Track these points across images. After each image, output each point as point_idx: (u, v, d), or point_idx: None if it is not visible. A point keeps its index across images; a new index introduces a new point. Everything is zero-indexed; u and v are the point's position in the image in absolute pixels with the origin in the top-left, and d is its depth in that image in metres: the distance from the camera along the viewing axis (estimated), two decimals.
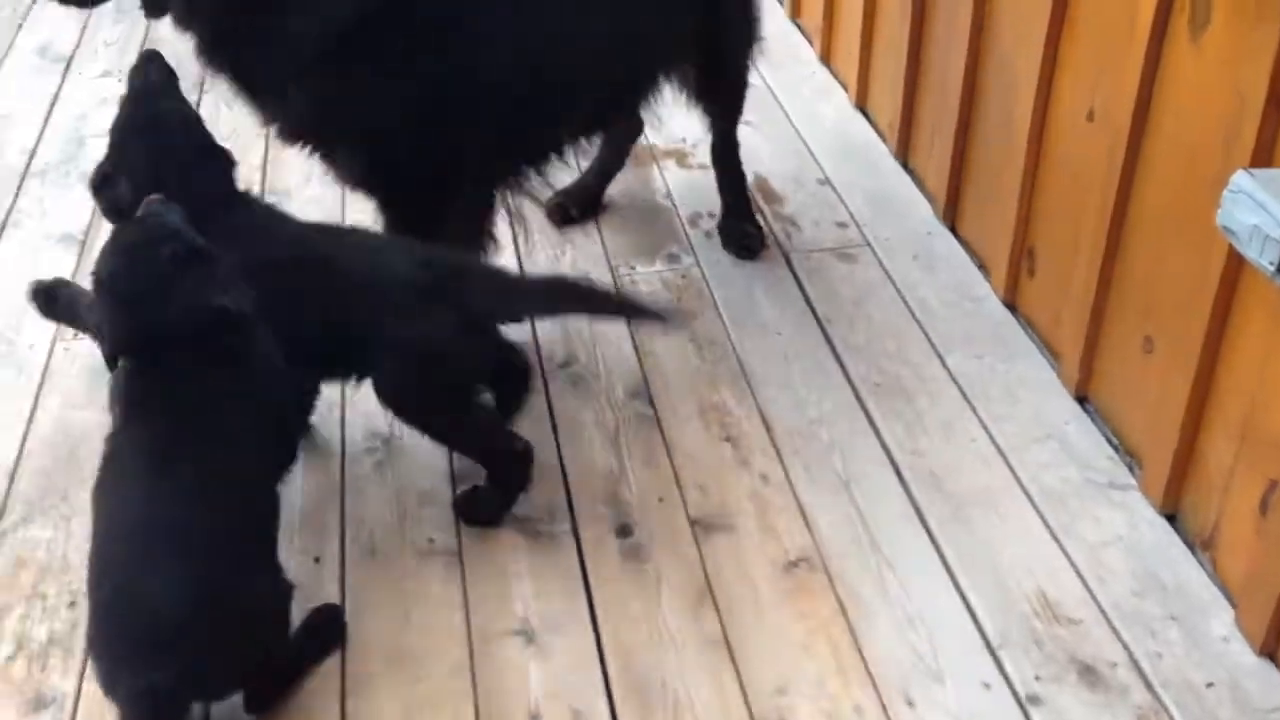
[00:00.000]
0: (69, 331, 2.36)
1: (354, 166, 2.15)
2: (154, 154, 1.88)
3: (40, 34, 3.47)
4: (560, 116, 2.25)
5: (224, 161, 1.94)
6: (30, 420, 2.16)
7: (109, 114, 3.09)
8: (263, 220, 1.97)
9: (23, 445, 2.11)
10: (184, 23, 1.98)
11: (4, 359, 2.30)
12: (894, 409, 2.19)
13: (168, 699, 1.51)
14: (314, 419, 2.15)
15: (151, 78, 1.96)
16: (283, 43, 1.90)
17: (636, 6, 2.22)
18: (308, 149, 2.13)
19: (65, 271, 2.49)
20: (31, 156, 2.91)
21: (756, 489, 2.05)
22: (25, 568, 1.88)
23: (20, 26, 3.49)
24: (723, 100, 2.63)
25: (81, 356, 2.31)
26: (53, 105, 3.12)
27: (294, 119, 2.06)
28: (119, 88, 3.11)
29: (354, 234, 2.12)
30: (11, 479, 2.04)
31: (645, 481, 2.06)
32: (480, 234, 2.25)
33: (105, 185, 1.89)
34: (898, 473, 2.07)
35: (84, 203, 2.69)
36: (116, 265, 1.68)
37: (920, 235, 2.65)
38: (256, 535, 1.67)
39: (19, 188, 2.80)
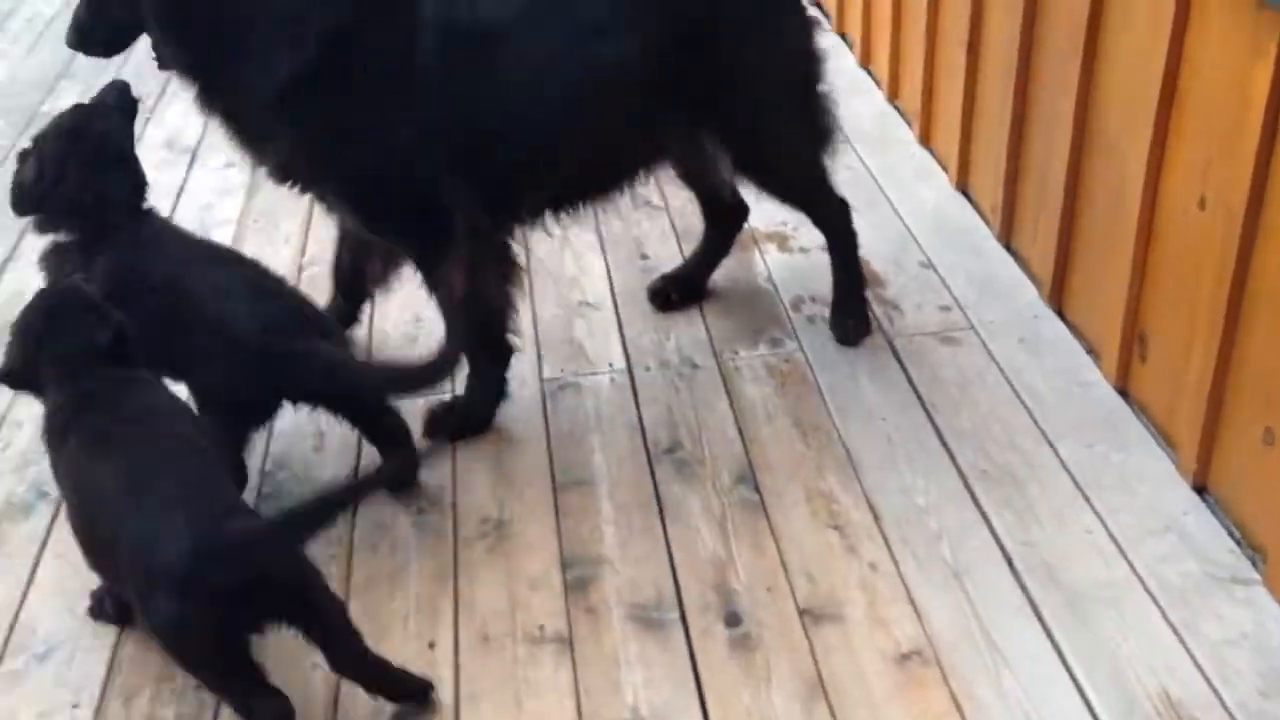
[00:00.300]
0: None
1: (339, 209, 2.34)
2: (66, 153, 2.12)
3: (167, 127, 3.64)
4: (535, 169, 2.30)
5: (132, 178, 2.19)
6: None
7: (234, 204, 3.25)
8: (159, 237, 2.20)
9: None
10: (180, 75, 2.18)
11: None
12: (1004, 497, 2.17)
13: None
14: (425, 501, 2.22)
15: (103, 98, 2.23)
16: (248, 94, 2.10)
17: (609, 60, 2.21)
18: (297, 189, 2.29)
19: None
20: None
21: (865, 578, 2.04)
22: (154, 651, 1.94)
23: (148, 120, 3.67)
24: (788, 198, 2.64)
25: None
26: (179, 196, 3.27)
27: (274, 162, 2.23)
28: (242, 178, 3.29)
29: (236, 271, 2.21)
30: None
31: (753, 569, 2.07)
32: (490, 280, 2.33)
33: (21, 160, 2.16)
34: (1010, 564, 2.04)
35: None
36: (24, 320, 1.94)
37: (1026, 319, 2.64)
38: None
39: None
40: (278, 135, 2.16)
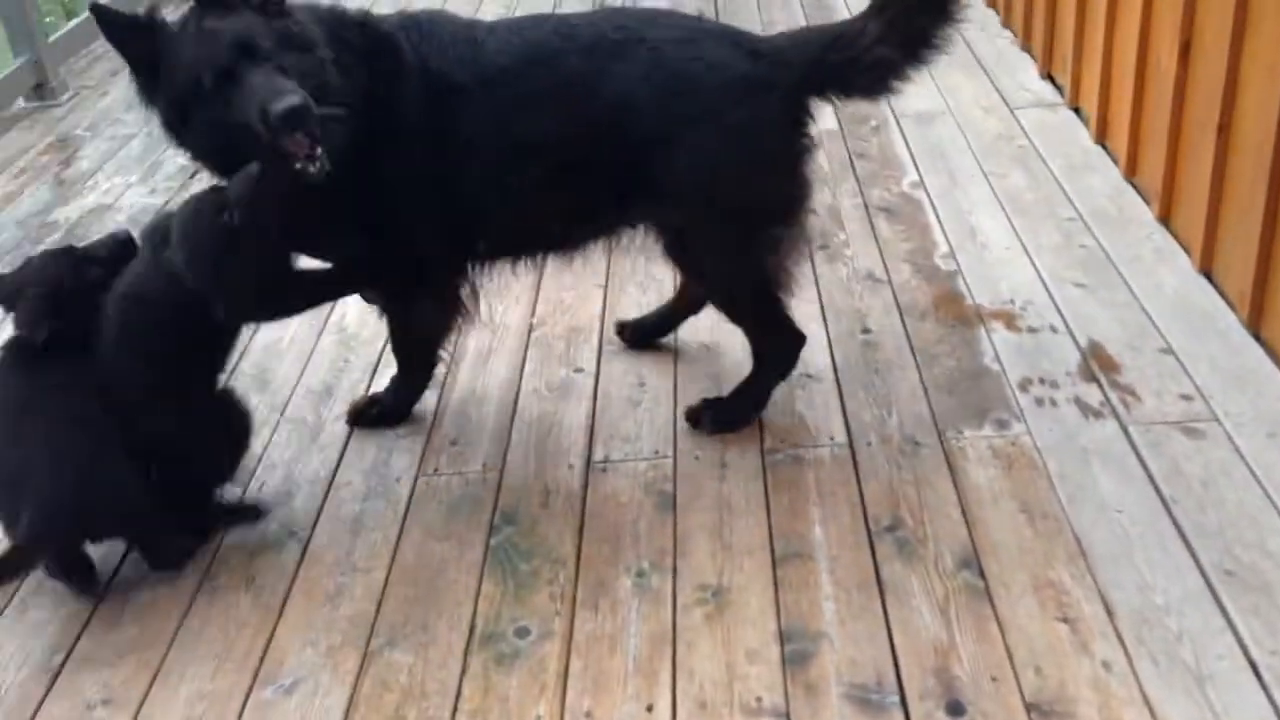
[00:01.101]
0: (431, 465, 2.58)
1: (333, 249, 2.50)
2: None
3: None
4: (481, 220, 2.46)
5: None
6: (396, 549, 2.36)
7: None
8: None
9: (389, 573, 2.30)
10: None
11: (374, 491, 2.52)
12: (1251, 603, 2.06)
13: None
14: (645, 563, 2.26)
15: (100, 245, 2.44)
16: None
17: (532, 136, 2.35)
18: None
19: (426, 412, 2.74)
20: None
21: (1098, 676, 1.96)
22: (389, 690, 2.04)
23: None
24: (724, 311, 2.65)
25: (441, 489, 2.51)
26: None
27: None
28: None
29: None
30: (379, 604, 2.22)
31: (977, 657, 2.02)
32: (433, 313, 2.63)
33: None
34: (1257, 674, 1.93)
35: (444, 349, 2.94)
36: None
37: (1277, 412, 2.50)
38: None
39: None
40: None
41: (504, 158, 2.37)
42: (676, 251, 2.50)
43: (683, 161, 2.32)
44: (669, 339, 2.95)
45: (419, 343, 2.71)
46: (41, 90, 4.69)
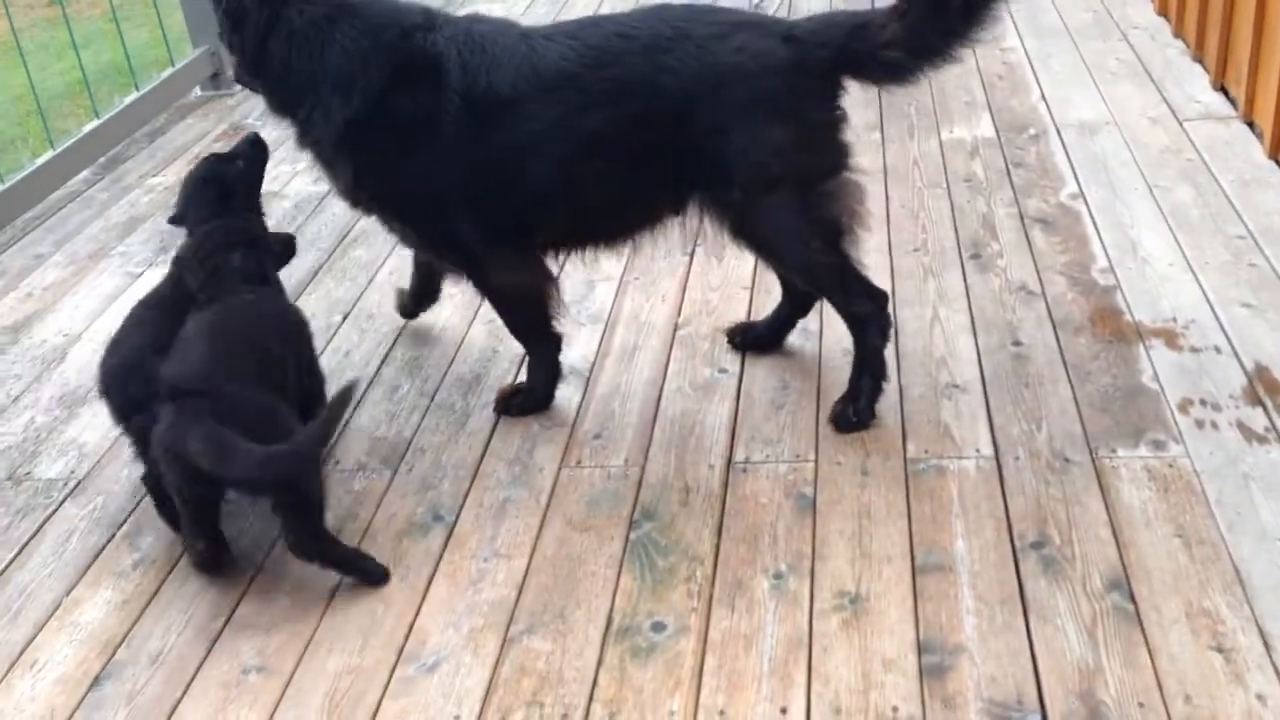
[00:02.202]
0: (574, 457, 2.62)
1: (395, 231, 2.80)
2: (191, 192, 2.68)
3: None
4: (539, 214, 2.66)
5: (246, 213, 2.68)
6: (537, 538, 2.40)
7: (617, 262, 3.42)
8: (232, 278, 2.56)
9: (530, 561, 2.35)
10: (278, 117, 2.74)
11: (518, 480, 2.58)
12: None
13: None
14: (783, 566, 2.26)
15: (237, 147, 2.75)
16: (316, 136, 2.63)
17: (589, 131, 2.54)
18: (361, 211, 2.82)
19: (571, 406, 2.79)
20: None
21: (1251, 709, 1.88)
22: (527, 675, 2.08)
23: None
24: (801, 281, 2.81)
25: (583, 482, 2.55)
26: None
27: (340, 187, 2.73)
28: None
29: (213, 329, 2.46)
30: (519, 591, 2.27)
31: (1124, 682, 1.96)
32: (522, 281, 2.77)
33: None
34: None
35: (591, 344, 2.98)
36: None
37: None
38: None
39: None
40: (340, 167, 2.66)
41: (569, 152, 2.57)
42: (745, 230, 2.63)
43: (739, 144, 2.51)
44: (812, 344, 2.94)
45: (516, 308, 2.82)
46: (217, 80, 4.91)
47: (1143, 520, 2.30)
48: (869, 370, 2.68)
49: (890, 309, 2.69)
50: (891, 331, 2.70)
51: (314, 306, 3.29)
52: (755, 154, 2.51)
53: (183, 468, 2.22)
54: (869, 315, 2.67)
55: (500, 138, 2.55)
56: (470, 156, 2.57)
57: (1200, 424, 2.54)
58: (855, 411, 2.65)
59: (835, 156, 2.60)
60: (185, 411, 2.21)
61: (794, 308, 2.94)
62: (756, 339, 2.97)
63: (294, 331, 2.62)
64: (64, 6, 4.55)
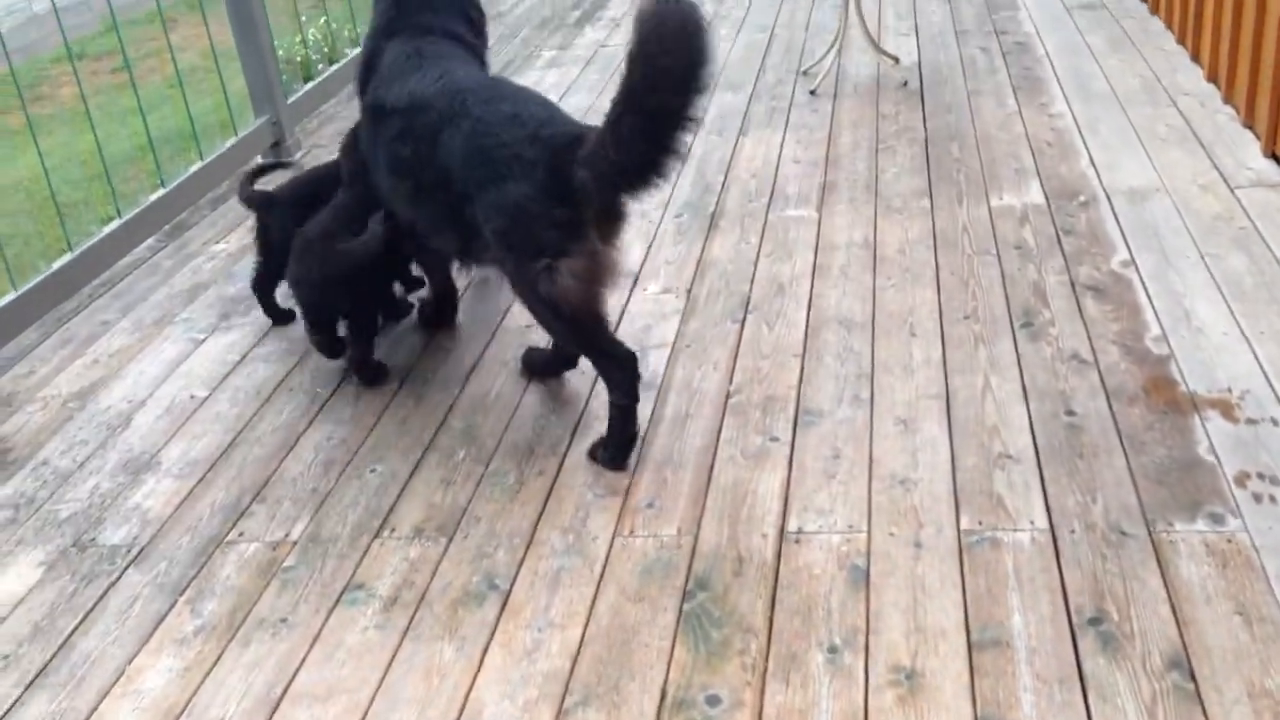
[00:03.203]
0: (627, 526, 2.64)
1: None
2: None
3: None
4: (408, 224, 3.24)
5: None
6: (591, 608, 2.42)
7: (669, 328, 3.48)
8: None
9: (584, 631, 2.36)
10: None
11: (572, 548, 2.60)
12: None
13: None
14: (837, 639, 2.26)
15: None
16: None
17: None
18: None
19: (624, 474, 2.81)
20: None
21: None
22: None
23: None
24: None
25: (636, 551, 2.57)
26: (620, 318, 3.54)
27: None
28: (677, 304, 3.53)
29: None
30: (574, 661, 2.29)
31: None
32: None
33: None
34: None
35: (643, 411, 3.02)
36: None
37: None
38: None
39: (590, 391, 3.18)
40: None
41: (391, 172, 3.13)
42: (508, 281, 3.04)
43: (482, 212, 2.89)
44: (864, 413, 2.95)
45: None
46: (279, 148, 5.03)
47: (1202, 597, 2.28)
48: (615, 426, 2.87)
49: (942, 376, 2.70)
50: (638, 391, 2.87)
51: None
52: (492, 223, 2.87)
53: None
54: (611, 379, 2.88)
55: (375, 143, 3.19)
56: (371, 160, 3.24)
57: (1258, 498, 2.52)
58: (605, 457, 2.88)
59: (558, 240, 2.79)
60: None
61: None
62: (541, 363, 3.27)
63: None
64: (131, 72, 4.68)
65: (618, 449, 2.86)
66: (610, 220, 2.87)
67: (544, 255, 2.80)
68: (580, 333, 2.92)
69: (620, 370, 2.87)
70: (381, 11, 3.33)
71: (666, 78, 2.54)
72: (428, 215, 3.10)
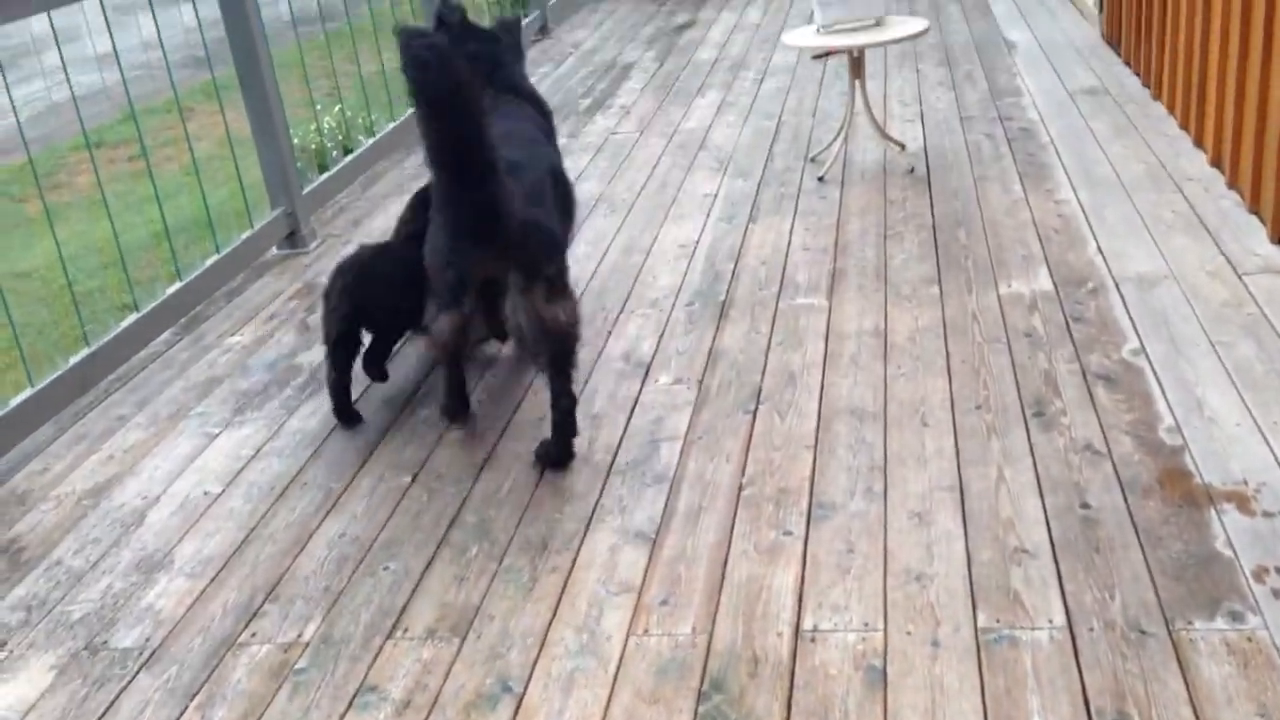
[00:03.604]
0: (641, 625, 2.63)
1: None
2: None
3: (625, 342, 3.99)
4: None
5: None
6: (606, 710, 2.40)
7: (681, 419, 3.48)
8: None
9: None
10: None
11: (586, 649, 2.58)
12: None
13: None
14: None
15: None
16: None
17: None
18: None
19: (637, 571, 2.80)
20: (614, 455, 3.32)
21: None
22: None
23: (609, 334, 4.05)
24: None
25: (650, 651, 2.55)
26: (633, 409, 3.56)
27: None
28: (689, 394, 3.55)
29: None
30: None
31: None
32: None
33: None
34: None
35: (656, 505, 3.02)
36: None
37: None
38: None
39: (603, 485, 3.18)
40: None
41: None
42: None
43: None
44: (878, 506, 2.94)
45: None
46: (293, 239, 5.09)
47: (1224, 698, 2.25)
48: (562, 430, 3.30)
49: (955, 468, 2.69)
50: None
51: (382, 468, 3.36)
52: None
53: None
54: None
55: None
56: None
57: (1277, 594, 2.50)
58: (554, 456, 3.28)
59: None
60: None
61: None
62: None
63: None
64: (148, 160, 4.75)
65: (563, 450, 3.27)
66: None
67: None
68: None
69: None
70: None
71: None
72: None
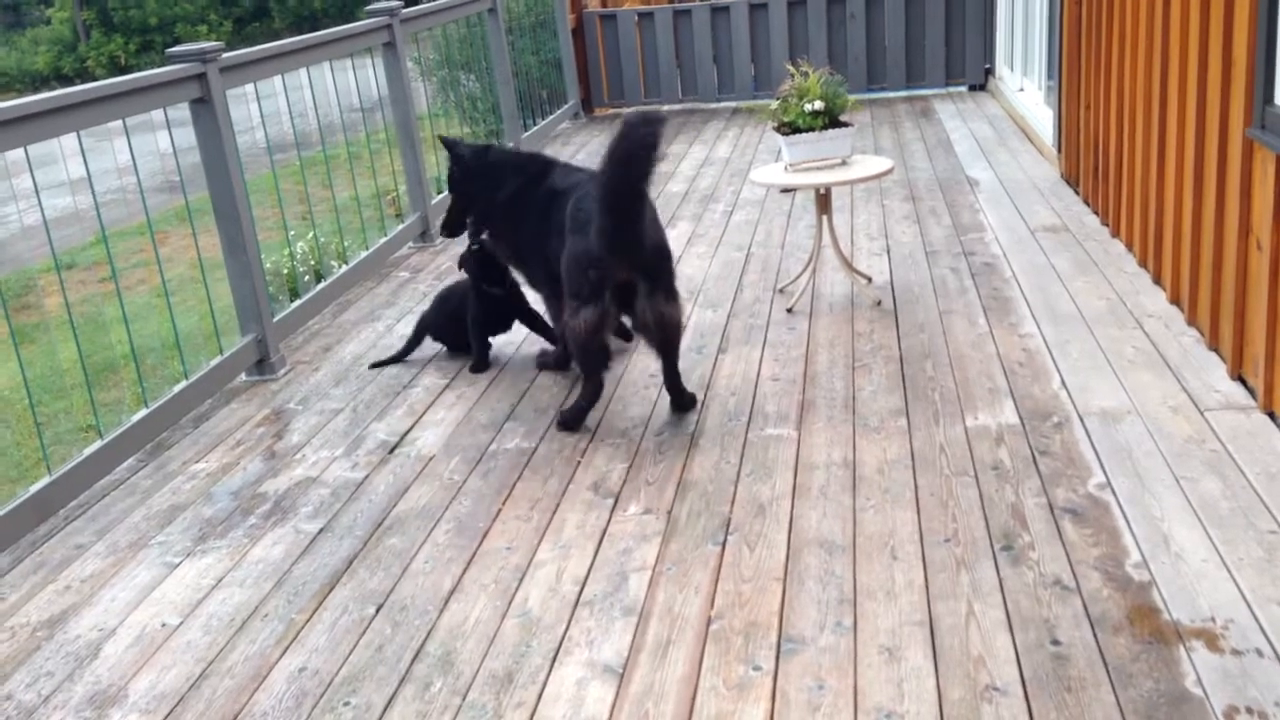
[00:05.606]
0: None
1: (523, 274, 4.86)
2: None
3: (593, 472, 3.99)
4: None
5: None
6: None
7: (650, 550, 3.46)
8: None
9: None
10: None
11: None
12: None
13: None
14: None
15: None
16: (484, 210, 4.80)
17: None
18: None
19: (604, 707, 2.75)
20: (582, 587, 3.28)
21: None
22: None
23: (579, 464, 4.04)
24: None
25: None
26: (601, 539, 3.53)
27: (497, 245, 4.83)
28: (658, 524, 3.53)
29: None
30: None
31: None
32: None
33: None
34: None
35: (624, 638, 2.98)
36: None
37: None
38: None
39: (570, 617, 3.14)
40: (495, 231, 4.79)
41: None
42: None
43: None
44: (847, 641, 2.91)
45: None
46: (262, 365, 5.09)
47: None
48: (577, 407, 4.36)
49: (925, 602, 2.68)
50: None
51: (346, 598, 3.31)
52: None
53: None
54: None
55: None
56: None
57: None
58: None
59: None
60: None
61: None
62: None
63: None
64: (118, 284, 4.77)
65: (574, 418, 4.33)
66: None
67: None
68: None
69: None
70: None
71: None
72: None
